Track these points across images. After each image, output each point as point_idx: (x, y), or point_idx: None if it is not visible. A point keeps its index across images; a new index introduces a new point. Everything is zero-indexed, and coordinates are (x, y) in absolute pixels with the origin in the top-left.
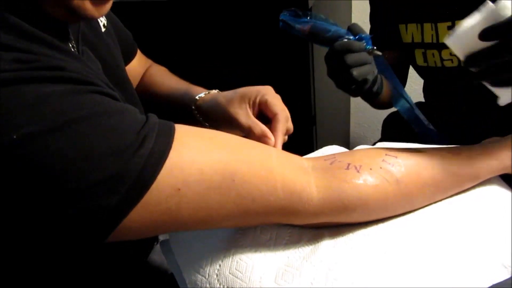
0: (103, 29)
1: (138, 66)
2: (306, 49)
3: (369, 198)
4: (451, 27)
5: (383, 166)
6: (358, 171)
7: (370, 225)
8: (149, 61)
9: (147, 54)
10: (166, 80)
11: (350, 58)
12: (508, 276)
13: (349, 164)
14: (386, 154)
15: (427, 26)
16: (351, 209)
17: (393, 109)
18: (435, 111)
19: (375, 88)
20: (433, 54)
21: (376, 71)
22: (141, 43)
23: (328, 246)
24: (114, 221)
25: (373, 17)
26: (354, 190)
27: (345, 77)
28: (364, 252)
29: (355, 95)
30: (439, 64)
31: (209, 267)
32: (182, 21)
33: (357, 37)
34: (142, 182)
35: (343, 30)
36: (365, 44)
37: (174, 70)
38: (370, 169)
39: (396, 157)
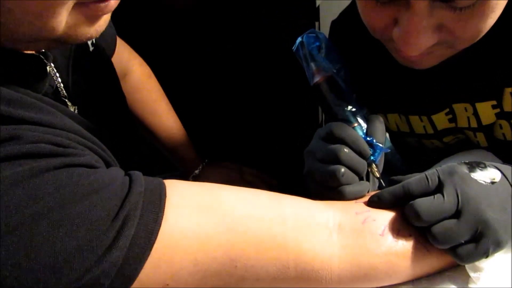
0: (91, 48)
1: (119, 62)
2: None
3: (401, 271)
4: (449, 113)
5: None
6: (395, 239)
7: None
8: (133, 55)
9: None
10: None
11: (346, 155)
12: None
13: (385, 228)
14: None
15: (414, 118)
16: (376, 283)
17: None
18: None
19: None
20: (432, 143)
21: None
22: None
23: None
24: None
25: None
26: (386, 265)
27: (326, 170)
28: None
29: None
30: (439, 145)
31: None
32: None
33: (368, 139)
34: (122, 281)
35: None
36: (371, 154)
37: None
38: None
39: None
